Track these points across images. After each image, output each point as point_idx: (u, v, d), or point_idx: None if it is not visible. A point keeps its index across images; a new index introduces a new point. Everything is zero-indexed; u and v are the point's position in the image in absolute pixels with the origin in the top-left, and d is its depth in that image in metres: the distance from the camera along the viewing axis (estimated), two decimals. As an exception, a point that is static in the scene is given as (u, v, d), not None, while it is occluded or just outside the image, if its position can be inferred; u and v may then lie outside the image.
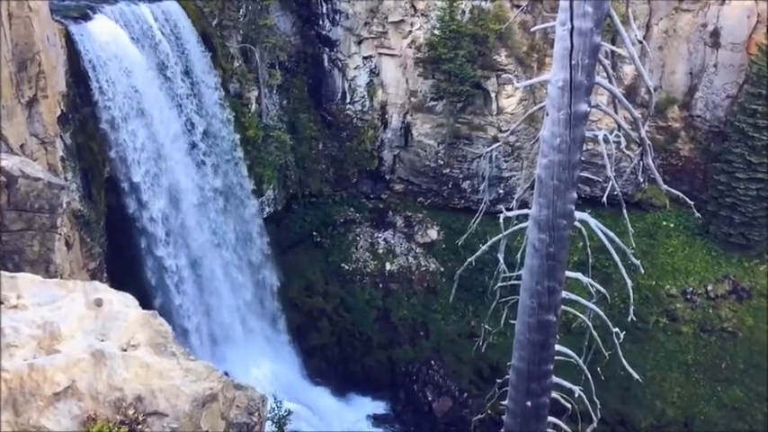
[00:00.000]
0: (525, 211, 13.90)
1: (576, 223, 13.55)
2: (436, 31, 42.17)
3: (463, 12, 41.86)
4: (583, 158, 12.89)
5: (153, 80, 32.93)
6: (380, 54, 44.67)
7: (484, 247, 15.73)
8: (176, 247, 34.93)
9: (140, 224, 32.91)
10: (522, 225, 14.23)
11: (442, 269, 45.42)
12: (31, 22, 22.74)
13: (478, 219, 16.34)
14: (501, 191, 45.76)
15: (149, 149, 32.59)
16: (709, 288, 44.00)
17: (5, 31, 21.85)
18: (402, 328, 44.19)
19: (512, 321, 15.07)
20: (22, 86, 23.02)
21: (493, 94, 43.56)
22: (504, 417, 15.79)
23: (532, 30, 40.15)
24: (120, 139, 30.92)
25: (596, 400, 15.89)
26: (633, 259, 14.77)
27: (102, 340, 8.93)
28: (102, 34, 29.35)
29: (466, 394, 41.87)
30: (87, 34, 28.71)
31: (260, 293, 41.37)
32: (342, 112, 46.19)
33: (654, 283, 43.91)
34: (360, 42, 44.44)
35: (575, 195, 12.97)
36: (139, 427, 8.23)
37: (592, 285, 15.21)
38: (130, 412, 8.30)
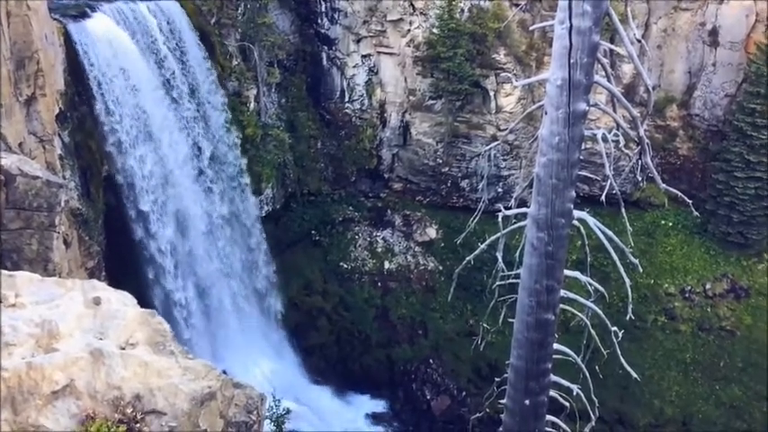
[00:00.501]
0: (524, 209, 13.90)
1: (575, 222, 13.55)
2: (435, 30, 42.15)
3: (462, 10, 41.85)
4: (581, 157, 12.89)
5: (162, 100, 32.10)
6: (379, 53, 44.64)
7: (482, 246, 15.73)
8: (185, 279, 34.45)
9: (148, 253, 32.28)
10: (521, 224, 14.23)
11: (440, 268, 45.44)
12: (29, 20, 22.70)
13: (477, 217, 16.35)
14: (500, 189, 45.79)
15: (158, 176, 31.85)
16: (708, 287, 44.04)
17: (4, 30, 21.81)
18: (401, 326, 44.20)
19: (510, 320, 15.09)
20: (21, 85, 22.99)
21: (491, 93, 43.57)
22: (502, 415, 15.80)
23: (531, 28, 40.13)
24: (128, 165, 30.34)
25: (594, 399, 15.91)
26: (632, 258, 14.77)
27: (101, 339, 8.93)
28: (104, 41, 28.71)
29: (464, 393, 41.89)
30: (91, 44, 28.05)
31: (265, 320, 41.34)
32: (340, 111, 46.17)
33: (652, 281, 43.94)
34: (358, 41, 44.41)
35: (573, 194, 12.97)
36: (138, 425, 8.24)
37: (590, 284, 15.22)
38: (129, 411, 8.30)
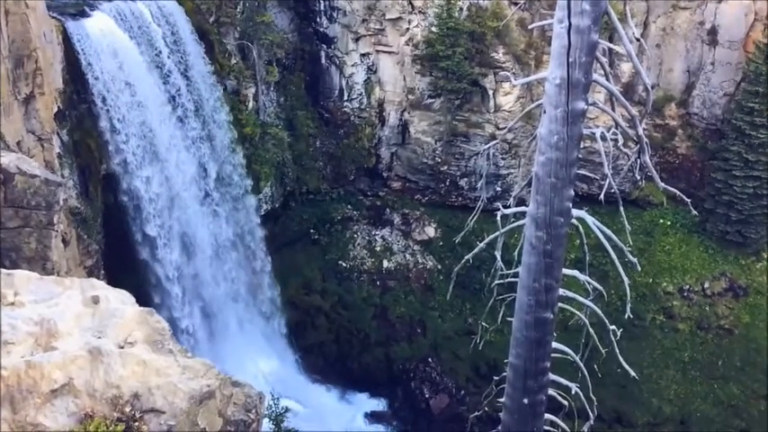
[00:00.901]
0: (522, 208, 13.91)
1: (574, 221, 13.56)
2: (434, 29, 42.13)
3: (461, 9, 41.83)
4: (580, 156, 12.90)
5: (168, 118, 31.17)
6: (378, 51, 44.61)
7: (481, 245, 15.74)
8: (191, 305, 34.00)
9: (153, 277, 31.75)
10: (520, 222, 14.23)
11: (439, 266, 45.44)
12: (27, 18, 22.69)
13: (476, 216, 16.33)
14: (498, 188, 45.77)
15: (164, 198, 31.17)
16: (706, 285, 44.06)
17: (2, 28, 21.80)
18: (399, 325, 44.21)
19: (509, 319, 15.10)
20: (19, 83, 22.97)
21: (490, 92, 43.55)
22: (501, 414, 15.82)
23: (530, 27, 40.10)
24: (133, 186, 29.83)
25: (593, 398, 15.93)
26: (630, 257, 14.78)
27: (100, 337, 8.93)
28: (108, 52, 27.78)
29: (463, 391, 41.91)
30: (95, 55, 27.18)
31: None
32: (339, 110, 46.14)
33: (651, 280, 43.97)
34: (357, 39, 44.38)
35: (572, 193, 12.98)
36: (136, 424, 8.24)
37: (589, 283, 15.24)
38: (127, 409, 8.31)
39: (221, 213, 35.98)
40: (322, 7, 43.78)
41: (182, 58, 32.62)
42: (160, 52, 31.11)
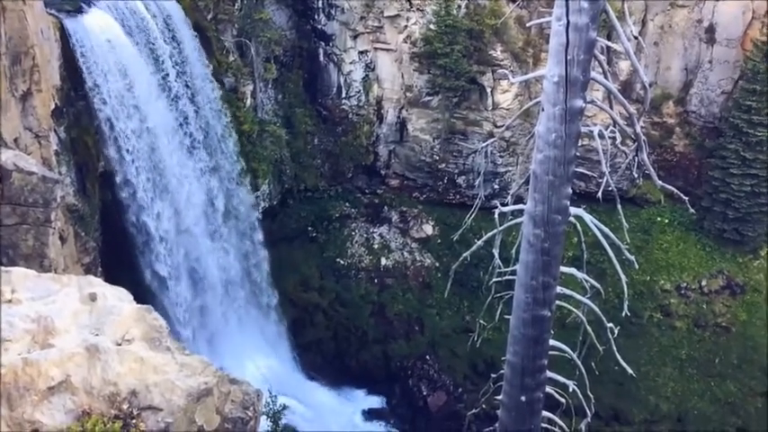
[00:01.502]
0: (520, 206, 13.92)
1: (571, 219, 13.58)
2: (432, 26, 42.09)
3: (459, 7, 41.79)
4: (578, 154, 12.91)
5: (179, 147, 30.42)
6: (376, 49, 44.56)
7: (479, 243, 15.75)
8: (198, 344, 33.80)
9: (161, 312, 31.27)
10: (518, 220, 14.25)
11: (437, 264, 45.44)
12: (25, 15, 22.65)
13: (474, 214, 16.33)
14: (496, 186, 45.78)
15: (174, 233, 30.75)
16: (703, 283, 44.14)
17: (0, 25, 21.76)
18: (397, 322, 44.22)
19: (506, 316, 15.11)
20: (16, 80, 22.93)
21: (488, 90, 43.53)
22: (498, 411, 15.85)
23: (528, 25, 40.06)
24: (141, 220, 29.55)
25: (590, 395, 15.95)
26: (628, 255, 14.80)
27: (97, 335, 8.93)
28: (115, 71, 27.09)
29: (460, 389, 41.96)
30: (101, 75, 26.28)
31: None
32: (337, 107, 46.11)
33: (648, 278, 44.02)
34: (355, 37, 44.33)
35: (570, 191, 12.99)
36: (134, 421, 8.24)
37: (586, 281, 15.25)
38: (125, 407, 8.31)
39: (230, 248, 35.74)
40: (320, 4, 43.71)
41: (188, 82, 31.76)
42: (167, 74, 30.23)
